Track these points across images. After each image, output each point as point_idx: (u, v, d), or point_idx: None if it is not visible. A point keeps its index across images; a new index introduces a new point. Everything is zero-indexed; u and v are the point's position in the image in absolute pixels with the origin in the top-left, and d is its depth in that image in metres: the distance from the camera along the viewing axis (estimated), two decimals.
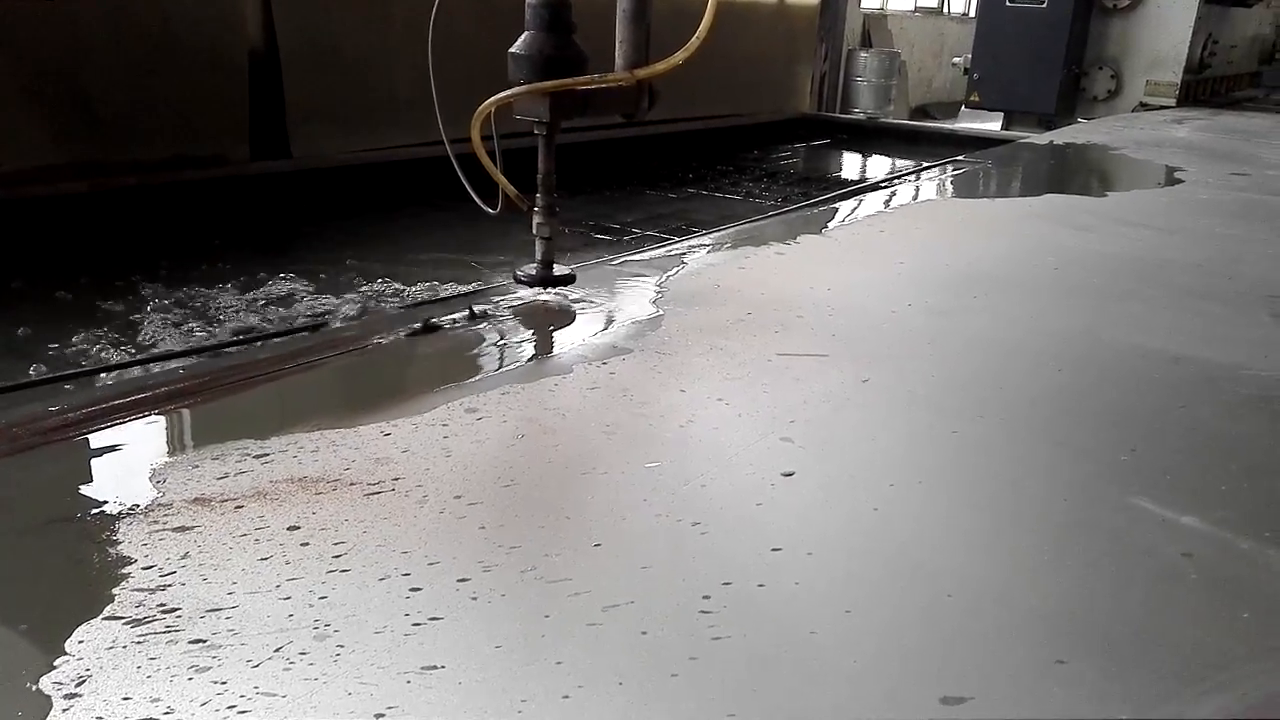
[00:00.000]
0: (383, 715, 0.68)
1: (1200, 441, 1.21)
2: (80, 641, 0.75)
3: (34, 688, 0.70)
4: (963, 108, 7.08)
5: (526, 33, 1.55)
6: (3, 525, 0.95)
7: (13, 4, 2.86)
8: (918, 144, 5.02)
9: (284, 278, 2.34)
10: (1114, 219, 2.54)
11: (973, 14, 15.96)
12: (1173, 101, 6.46)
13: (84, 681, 0.71)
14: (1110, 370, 1.45)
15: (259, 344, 1.59)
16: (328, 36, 3.10)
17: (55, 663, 0.73)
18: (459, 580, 0.85)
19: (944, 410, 1.26)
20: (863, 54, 12.80)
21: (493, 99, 1.52)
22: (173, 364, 1.60)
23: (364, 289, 2.28)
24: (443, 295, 1.75)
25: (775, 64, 5.40)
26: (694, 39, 1.54)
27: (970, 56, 6.98)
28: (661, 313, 1.60)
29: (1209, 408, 1.30)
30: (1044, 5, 6.55)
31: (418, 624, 0.79)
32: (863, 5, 13.71)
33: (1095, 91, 6.67)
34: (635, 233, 2.86)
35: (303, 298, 2.21)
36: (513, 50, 1.55)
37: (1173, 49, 6.61)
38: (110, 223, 2.84)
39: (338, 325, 1.66)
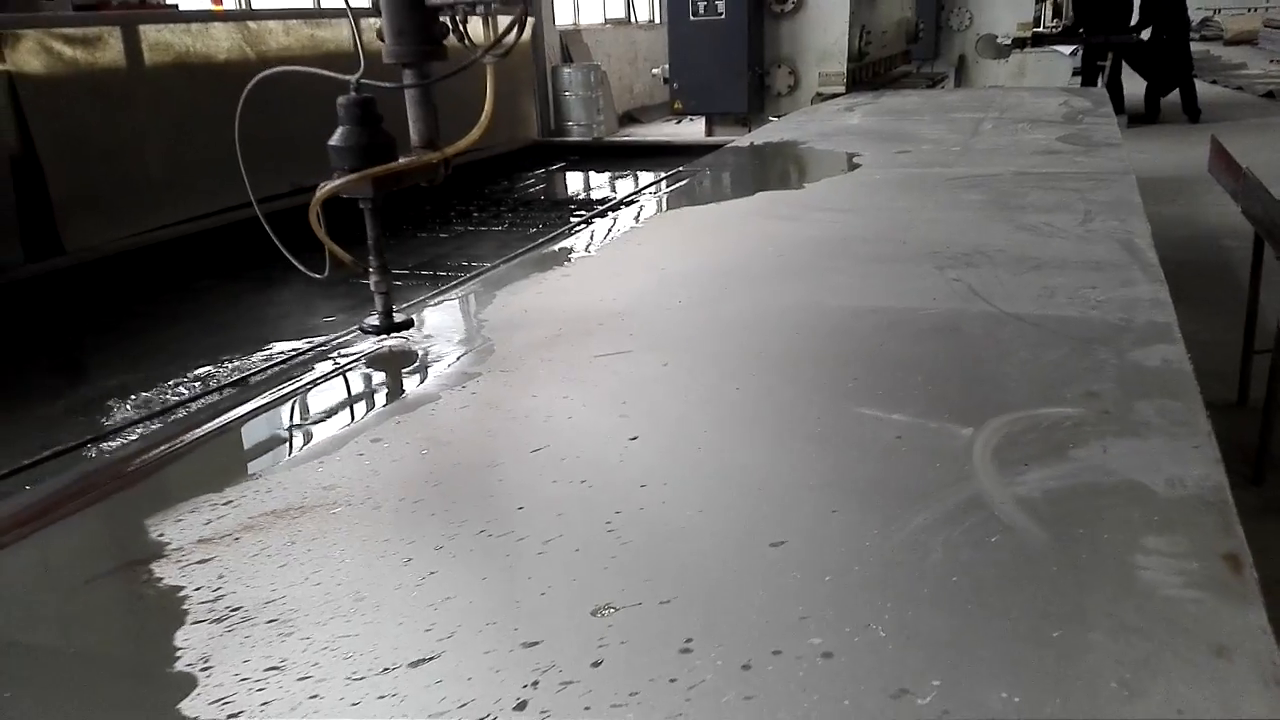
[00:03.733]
0: (430, 629, 1.02)
1: (896, 364, 1.72)
2: (186, 638, 1.04)
3: (174, 669, 0.99)
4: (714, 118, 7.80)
5: (341, 127, 1.86)
6: (68, 580, 1.19)
7: None
8: (641, 157, 5.58)
9: (119, 373, 2.44)
10: (812, 207, 3.13)
11: (659, 20, 17.09)
12: (843, 88, 7.44)
13: (208, 660, 1.00)
14: (830, 325, 1.97)
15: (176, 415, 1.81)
16: (81, 130, 3.17)
17: (178, 654, 1.01)
18: (435, 548, 1.19)
19: (726, 374, 1.72)
20: (566, 70, 13.51)
21: (327, 188, 1.83)
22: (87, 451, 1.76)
23: (201, 369, 2.45)
24: (299, 353, 2.01)
25: (504, 98, 5.80)
26: (483, 117, 1.92)
27: (667, 67, 7.72)
28: (491, 339, 1.96)
29: (899, 341, 1.83)
30: (723, 16, 7.37)
31: (422, 579, 1.12)
32: (557, 23, 14.38)
33: (778, 88, 7.57)
34: (425, 274, 3.16)
35: (138, 390, 2.33)
36: (332, 143, 1.86)
37: (835, 43, 7.60)
38: None
39: (210, 401, 1.89)
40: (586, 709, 0.89)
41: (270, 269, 2.61)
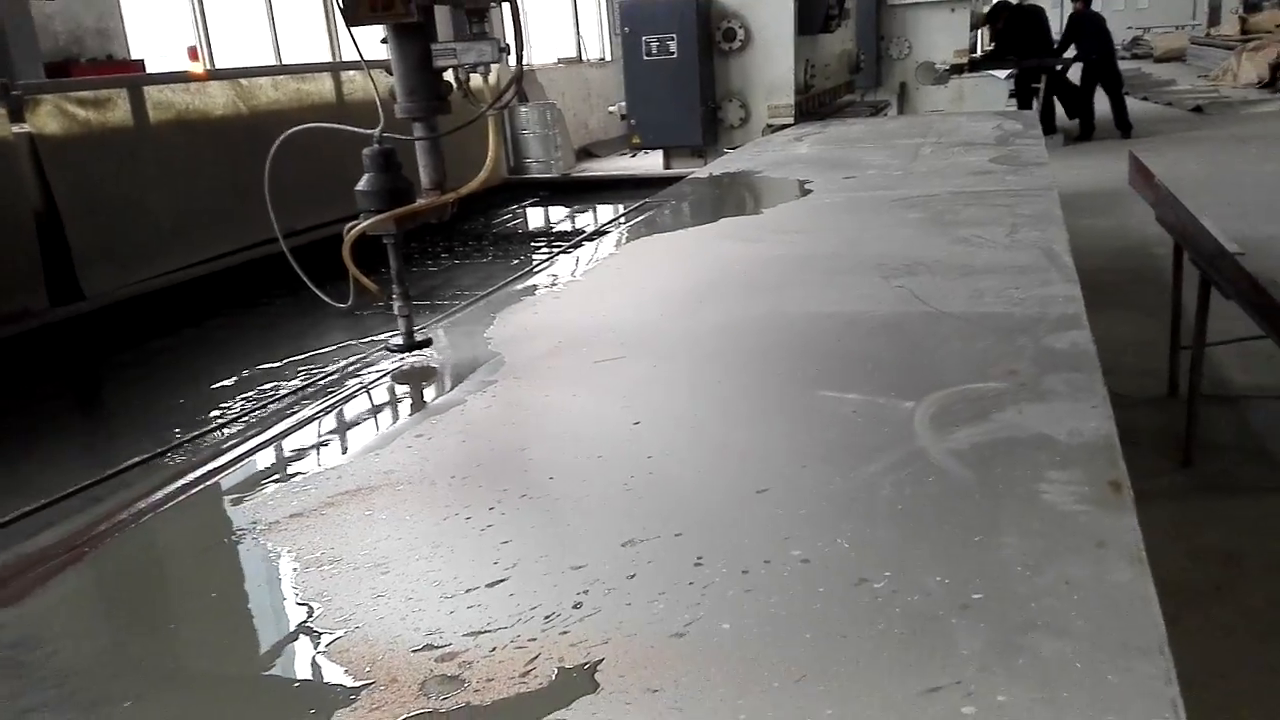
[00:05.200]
0: (497, 562, 1.31)
1: (850, 357, 2.04)
2: (303, 580, 1.31)
3: (299, 601, 1.26)
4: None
5: (367, 174, 2.16)
6: (192, 548, 1.47)
7: None
8: (608, 190, 5.92)
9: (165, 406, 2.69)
10: (772, 230, 3.46)
11: (609, 58, 17.52)
12: (791, 120, 7.84)
13: (324, 593, 1.28)
14: (794, 328, 2.28)
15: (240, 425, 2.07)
16: (96, 186, 3.43)
17: (298, 590, 1.29)
18: (489, 508, 1.47)
19: (708, 369, 2.02)
20: (523, 109, 13.82)
21: (356, 228, 2.12)
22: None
23: (243, 391, 2.72)
24: (335, 371, 2.28)
25: (477, 139, 6.13)
26: (488, 161, 2.22)
27: (624, 105, 8.10)
28: (500, 353, 2.25)
29: (852, 338, 2.15)
30: (675, 55, 7.77)
31: (483, 530, 1.41)
32: (512, 64, 14.70)
33: (731, 120, 7.97)
34: (423, 303, 3.45)
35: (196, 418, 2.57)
36: (359, 188, 2.15)
37: (782, 77, 8.02)
38: None
39: (263, 414, 2.16)
40: (628, 605, 1.19)
41: (274, 304, 2.87)
